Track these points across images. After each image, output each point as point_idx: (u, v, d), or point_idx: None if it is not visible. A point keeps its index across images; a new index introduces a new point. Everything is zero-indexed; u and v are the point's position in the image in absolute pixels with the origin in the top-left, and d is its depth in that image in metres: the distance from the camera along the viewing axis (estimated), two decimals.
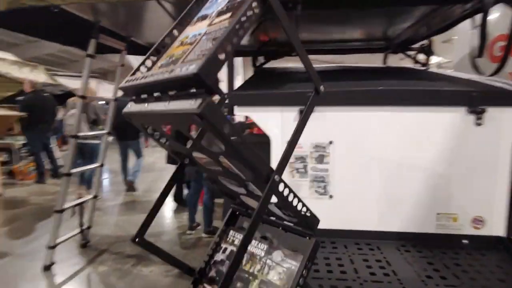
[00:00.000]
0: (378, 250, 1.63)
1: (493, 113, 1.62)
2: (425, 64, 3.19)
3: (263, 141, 1.75)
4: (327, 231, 1.77)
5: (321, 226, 1.80)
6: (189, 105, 0.77)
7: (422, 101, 1.64)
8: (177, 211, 4.63)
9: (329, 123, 1.72)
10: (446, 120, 1.65)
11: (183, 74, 0.75)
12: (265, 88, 1.81)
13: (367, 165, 1.71)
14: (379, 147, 1.70)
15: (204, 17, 1.05)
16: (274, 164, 1.76)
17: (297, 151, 1.74)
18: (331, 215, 1.78)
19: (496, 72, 1.92)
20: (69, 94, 7.67)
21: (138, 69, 1.06)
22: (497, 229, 1.69)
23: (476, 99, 1.60)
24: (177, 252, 3.27)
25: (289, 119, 1.73)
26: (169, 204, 4.95)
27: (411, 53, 3.22)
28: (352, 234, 1.74)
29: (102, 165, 3.27)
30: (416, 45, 3.15)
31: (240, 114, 1.77)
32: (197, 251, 3.31)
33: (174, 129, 2.49)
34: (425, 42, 3.05)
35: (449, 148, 1.66)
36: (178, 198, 4.76)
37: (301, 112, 1.74)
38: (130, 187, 5.47)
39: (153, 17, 2.34)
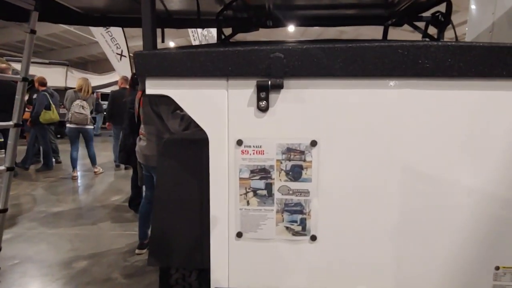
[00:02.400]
0: None
1: None
2: (437, 38, 2.45)
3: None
4: None
5: (297, 286, 1.08)
6: None
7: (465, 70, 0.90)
8: (132, 221, 3.83)
9: (311, 109, 0.96)
10: None
11: None
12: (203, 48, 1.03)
13: (378, 183, 0.97)
14: (400, 154, 0.96)
15: None
16: (213, 180, 1.01)
17: (254, 159, 0.98)
18: (314, 268, 1.05)
19: None
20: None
21: None
22: None
23: None
24: (116, 282, 2.48)
25: (242, 100, 0.97)
26: (125, 212, 4.14)
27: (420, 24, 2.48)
28: None
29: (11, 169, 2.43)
30: (427, 14, 2.41)
31: (153, 92, 0.98)
32: (142, 281, 2.53)
33: None
34: (438, 9, 2.33)
35: None
36: (134, 204, 3.95)
37: (259, 87, 0.99)
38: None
39: None
